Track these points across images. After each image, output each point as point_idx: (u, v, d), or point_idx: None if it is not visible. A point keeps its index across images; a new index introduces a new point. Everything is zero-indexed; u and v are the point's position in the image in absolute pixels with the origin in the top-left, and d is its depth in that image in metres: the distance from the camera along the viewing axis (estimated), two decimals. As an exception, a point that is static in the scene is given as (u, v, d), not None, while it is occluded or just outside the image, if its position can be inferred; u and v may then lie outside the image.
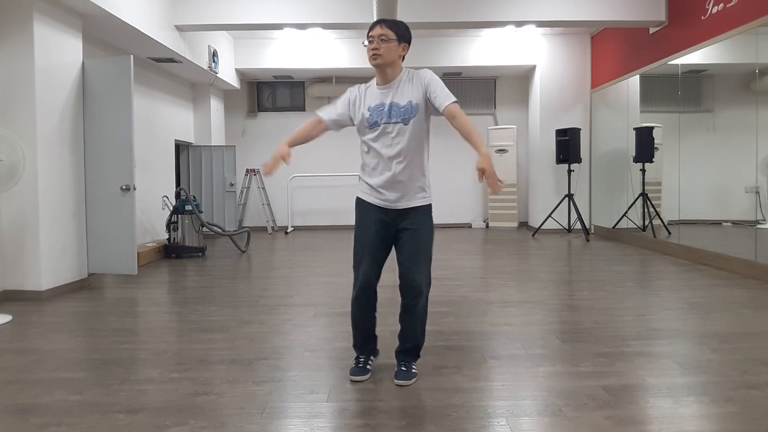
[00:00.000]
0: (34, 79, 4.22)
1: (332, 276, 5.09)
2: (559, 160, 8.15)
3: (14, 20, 4.19)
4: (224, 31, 7.91)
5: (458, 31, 8.24)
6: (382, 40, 2.39)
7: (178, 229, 6.52)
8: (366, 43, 2.44)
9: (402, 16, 5.88)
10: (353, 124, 2.55)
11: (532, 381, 2.49)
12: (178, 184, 8.11)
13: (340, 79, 9.34)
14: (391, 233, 2.49)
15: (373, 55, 2.40)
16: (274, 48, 8.54)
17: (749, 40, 4.96)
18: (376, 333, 2.65)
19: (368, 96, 2.48)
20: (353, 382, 2.51)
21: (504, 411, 2.18)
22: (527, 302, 4.01)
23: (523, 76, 9.46)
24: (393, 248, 2.54)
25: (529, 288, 4.51)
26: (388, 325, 3.38)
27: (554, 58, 8.58)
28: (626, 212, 7.24)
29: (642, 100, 7.00)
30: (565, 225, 8.39)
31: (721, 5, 5.34)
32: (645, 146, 6.69)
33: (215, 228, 7.05)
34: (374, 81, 2.52)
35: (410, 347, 2.54)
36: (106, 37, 5.61)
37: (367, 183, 2.51)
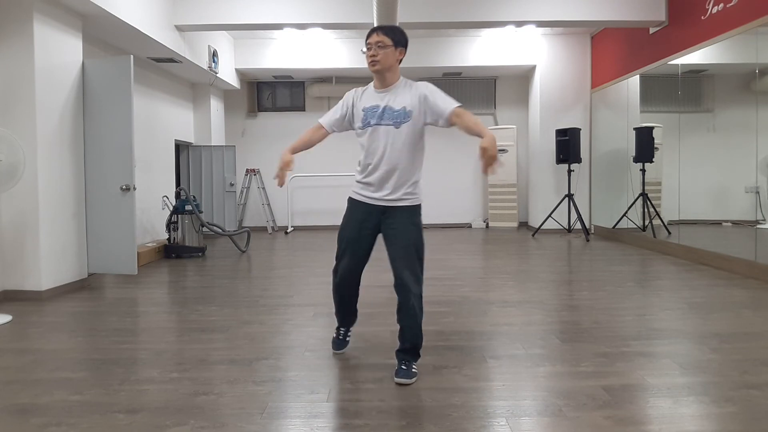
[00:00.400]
0: (34, 79, 4.22)
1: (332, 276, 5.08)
2: (559, 160, 8.15)
3: (14, 20, 4.20)
4: (224, 31, 7.91)
5: (458, 31, 8.24)
6: (379, 46, 2.50)
7: (178, 229, 6.52)
8: (364, 50, 2.55)
9: (402, 16, 5.89)
10: (352, 127, 2.67)
11: (532, 381, 2.49)
12: (178, 184, 8.11)
13: (340, 79, 9.34)
14: (374, 231, 2.62)
15: (372, 61, 2.52)
16: (274, 48, 8.54)
17: (749, 40, 4.96)
18: (357, 308, 2.90)
19: (364, 97, 2.61)
20: (335, 354, 2.86)
21: (504, 411, 2.18)
22: (527, 302, 4.01)
23: (523, 76, 9.46)
24: (384, 244, 2.64)
25: (529, 288, 4.51)
26: (387, 326, 3.39)
27: (554, 58, 8.58)
28: (626, 212, 7.24)
29: (642, 100, 7.01)
30: (565, 225, 8.40)
31: (721, 5, 5.34)
32: (645, 146, 6.69)
33: (215, 228, 7.05)
34: (371, 84, 2.65)
35: (408, 347, 2.56)
36: (106, 37, 5.61)
37: (358, 180, 2.65)
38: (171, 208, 6.69)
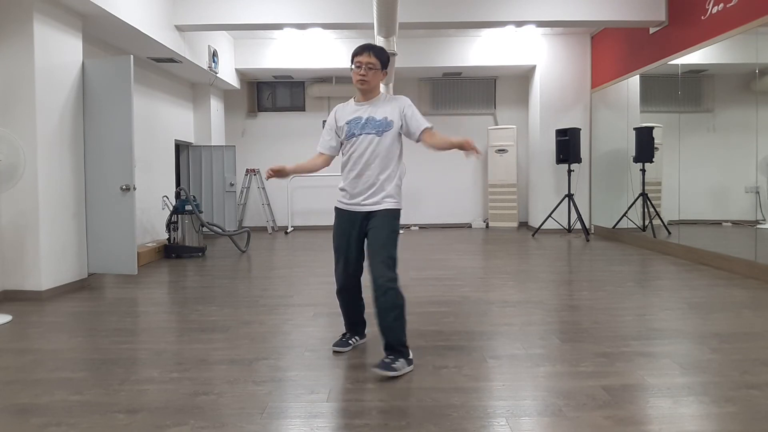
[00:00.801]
0: (34, 79, 4.22)
1: (332, 276, 5.06)
2: (559, 160, 8.15)
3: (14, 20, 4.20)
4: (224, 31, 7.91)
5: (458, 31, 8.24)
6: (369, 67, 2.67)
7: (178, 229, 6.52)
8: (353, 67, 2.68)
9: (402, 16, 5.88)
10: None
11: (532, 381, 2.49)
12: (178, 184, 8.11)
13: (340, 79, 9.34)
14: (362, 236, 2.75)
15: (361, 80, 2.68)
16: (274, 48, 8.54)
17: (749, 40, 4.96)
18: (364, 318, 2.99)
19: (346, 112, 2.77)
20: (335, 352, 2.88)
21: (504, 411, 2.18)
22: (527, 302, 4.01)
23: (523, 76, 9.46)
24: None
25: (529, 288, 4.51)
26: (388, 325, 3.39)
27: (554, 58, 8.58)
28: (626, 212, 7.24)
29: (642, 100, 7.00)
30: (565, 225, 8.39)
31: (721, 5, 5.34)
32: (645, 146, 6.69)
33: (215, 228, 7.05)
34: (351, 99, 2.82)
35: (388, 341, 2.62)
36: (106, 37, 5.61)
37: (341, 187, 2.79)
38: (171, 208, 6.69)
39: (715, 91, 5.62)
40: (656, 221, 6.67)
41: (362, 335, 3.04)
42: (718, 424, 2.05)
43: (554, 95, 8.64)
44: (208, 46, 7.37)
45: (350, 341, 2.96)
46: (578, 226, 8.18)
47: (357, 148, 2.69)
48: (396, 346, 2.61)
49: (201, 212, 6.81)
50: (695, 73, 5.89)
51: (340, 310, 2.97)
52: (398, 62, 7.72)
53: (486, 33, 8.44)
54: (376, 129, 2.66)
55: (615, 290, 4.38)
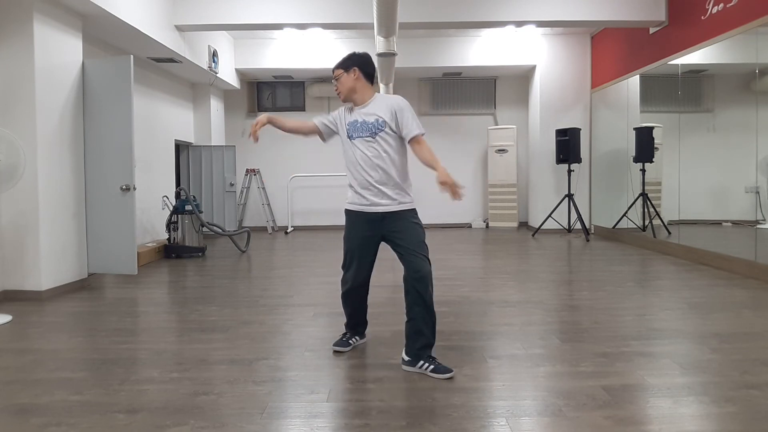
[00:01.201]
0: (34, 79, 4.22)
1: (332, 276, 5.09)
2: (559, 160, 8.15)
3: (14, 20, 4.20)
4: (224, 31, 7.91)
5: (458, 31, 8.24)
6: (336, 79, 2.77)
7: (178, 229, 6.52)
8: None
9: (402, 16, 5.88)
10: (336, 133, 2.86)
11: (532, 381, 2.49)
12: (178, 184, 8.11)
13: (340, 79, 9.32)
14: (377, 239, 2.74)
15: (337, 93, 2.80)
16: (274, 48, 8.54)
17: (749, 40, 4.96)
18: (366, 319, 3.02)
19: (347, 115, 2.81)
20: (335, 352, 2.90)
21: (504, 411, 2.18)
22: (527, 302, 4.01)
23: (523, 76, 9.46)
24: (391, 249, 2.74)
25: (529, 288, 4.51)
26: (388, 326, 3.39)
27: (554, 58, 8.58)
28: (626, 212, 7.24)
29: (642, 100, 7.00)
30: (565, 225, 8.39)
31: (721, 5, 5.34)
32: (645, 146, 6.69)
33: (215, 228, 7.05)
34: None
35: (430, 340, 2.63)
36: (106, 37, 5.61)
37: (351, 189, 2.78)
38: (171, 208, 6.69)
39: (715, 91, 5.62)
40: (656, 221, 6.67)
41: (362, 335, 3.05)
42: (718, 424, 2.05)
43: (554, 95, 8.64)
44: (208, 46, 7.37)
45: (351, 341, 2.97)
46: (578, 226, 8.18)
47: (355, 151, 2.71)
48: (433, 342, 2.63)
49: (201, 212, 6.81)
50: (695, 73, 5.89)
51: (342, 309, 2.98)
52: (398, 62, 7.72)
53: (486, 33, 8.44)
54: (369, 131, 2.68)
55: (615, 290, 4.38)
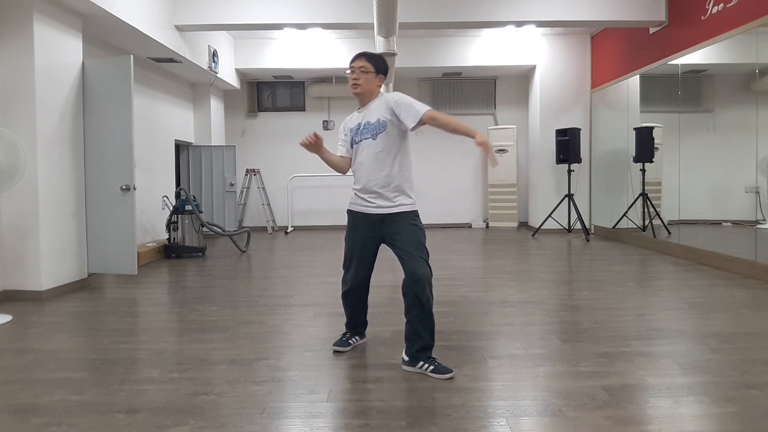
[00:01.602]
0: (34, 79, 4.22)
1: (332, 276, 5.09)
2: (559, 160, 8.15)
3: (14, 20, 4.20)
4: (224, 31, 7.91)
5: (458, 31, 8.24)
6: (362, 71, 2.71)
7: (178, 229, 6.52)
8: (348, 72, 2.73)
9: (402, 16, 5.88)
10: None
11: (532, 381, 2.49)
12: (178, 184, 8.11)
13: (340, 79, 9.34)
14: (378, 240, 2.75)
15: (353, 84, 2.73)
16: (274, 48, 8.54)
17: (749, 40, 4.96)
18: (366, 319, 3.02)
19: (351, 120, 2.83)
20: (335, 352, 2.90)
21: (504, 411, 2.18)
22: (527, 302, 4.01)
23: (523, 76, 9.46)
24: (391, 250, 2.74)
25: (529, 288, 4.51)
26: (388, 325, 3.39)
27: (554, 58, 8.58)
28: (626, 212, 7.24)
29: (642, 100, 7.00)
30: (565, 225, 8.39)
31: (721, 5, 5.34)
32: (645, 146, 6.69)
33: (215, 228, 7.05)
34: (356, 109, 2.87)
35: (429, 342, 2.62)
36: (106, 37, 5.61)
37: (354, 191, 2.80)
38: (171, 208, 6.69)
39: (715, 91, 5.62)
40: (656, 221, 6.67)
41: (362, 335, 3.05)
42: (718, 424, 2.05)
43: (554, 95, 8.64)
44: (208, 46, 7.37)
45: (350, 341, 2.97)
46: (578, 226, 8.18)
47: (359, 154, 2.73)
48: (432, 344, 2.62)
49: (201, 212, 6.81)
50: (695, 73, 5.89)
51: (342, 310, 2.98)
52: (398, 62, 7.72)
53: (486, 33, 8.44)
54: (371, 133, 2.68)
55: (615, 290, 4.38)
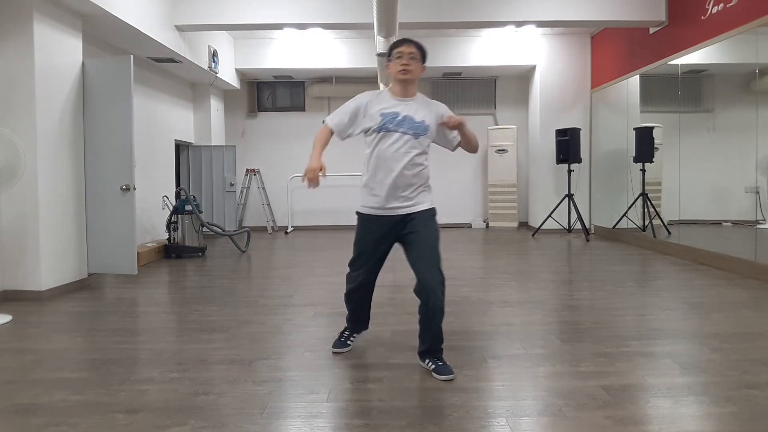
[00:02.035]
0: (33, 79, 4.22)
1: (332, 276, 5.09)
2: (559, 160, 8.15)
3: (14, 20, 4.19)
4: (224, 31, 7.91)
5: (458, 31, 8.24)
6: (412, 58, 2.57)
7: (178, 229, 6.52)
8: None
9: (402, 16, 5.88)
10: (356, 133, 2.68)
11: (532, 381, 2.49)
12: (178, 184, 8.11)
13: (340, 79, 9.34)
14: (392, 243, 2.70)
15: (404, 70, 2.57)
16: (274, 48, 8.54)
17: (749, 40, 4.96)
18: (369, 314, 2.97)
19: (381, 101, 2.62)
20: (334, 353, 2.87)
21: (504, 411, 2.18)
22: (527, 302, 4.01)
23: (523, 76, 9.46)
24: (403, 250, 2.70)
25: (529, 288, 4.51)
26: (388, 325, 3.39)
27: (554, 58, 8.58)
28: (626, 212, 7.24)
29: (642, 100, 7.00)
30: (565, 225, 8.39)
31: (721, 5, 5.34)
32: (645, 146, 6.69)
33: (215, 228, 7.05)
34: (385, 90, 2.69)
35: (434, 345, 2.61)
36: (106, 37, 5.61)
37: (369, 187, 2.64)
38: (171, 208, 6.69)
39: (715, 91, 5.62)
40: (656, 221, 6.67)
41: (361, 331, 3.02)
42: (718, 424, 2.05)
43: (554, 95, 8.64)
44: (208, 46, 7.37)
45: (349, 341, 2.96)
46: (578, 226, 8.18)
47: (390, 146, 2.55)
48: (440, 347, 2.61)
49: (201, 212, 6.81)
50: (695, 73, 5.89)
51: (344, 307, 2.95)
52: (398, 62, 7.71)
53: (486, 33, 8.44)
54: (414, 131, 2.57)
55: (615, 290, 4.38)
